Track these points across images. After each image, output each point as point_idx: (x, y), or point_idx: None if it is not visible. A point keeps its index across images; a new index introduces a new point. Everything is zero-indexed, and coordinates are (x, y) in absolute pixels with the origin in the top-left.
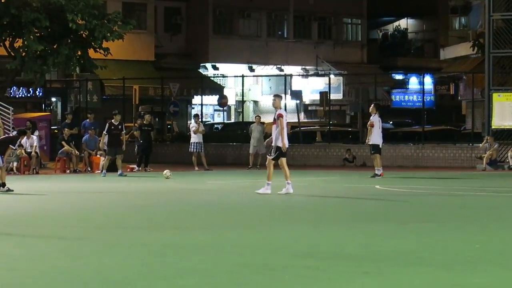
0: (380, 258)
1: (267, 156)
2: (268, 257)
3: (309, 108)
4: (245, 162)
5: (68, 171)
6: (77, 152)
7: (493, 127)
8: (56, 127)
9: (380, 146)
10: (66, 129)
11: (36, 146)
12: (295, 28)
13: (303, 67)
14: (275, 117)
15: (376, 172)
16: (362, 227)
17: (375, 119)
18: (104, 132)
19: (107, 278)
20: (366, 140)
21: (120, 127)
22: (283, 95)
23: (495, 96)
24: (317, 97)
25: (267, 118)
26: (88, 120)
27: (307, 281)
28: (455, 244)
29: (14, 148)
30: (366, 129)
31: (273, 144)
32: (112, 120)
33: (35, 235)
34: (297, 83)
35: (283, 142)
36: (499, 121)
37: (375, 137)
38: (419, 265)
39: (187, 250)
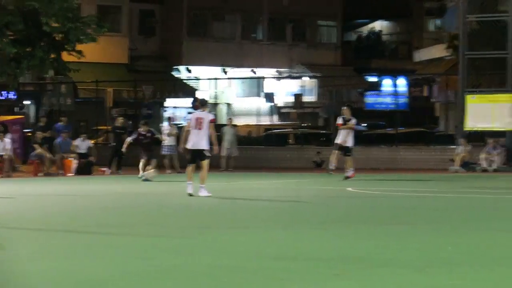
0: (352, 260)
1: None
2: (241, 260)
3: (283, 110)
4: (218, 164)
5: (40, 174)
6: (50, 155)
7: (465, 129)
8: (29, 130)
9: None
10: (39, 132)
11: (9, 149)
12: (269, 30)
13: (277, 69)
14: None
15: (348, 174)
16: (334, 229)
17: (353, 121)
18: (130, 139)
19: (79, 281)
20: (342, 142)
21: (149, 135)
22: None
23: (468, 98)
24: (291, 99)
25: (240, 121)
26: (61, 123)
27: (279, 283)
28: (428, 246)
29: None
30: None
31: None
32: (141, 130)
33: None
34: (271, 86)
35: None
36: (472, 123)
37: (352, 139)
38: (392, 267)
39: (161, 251)
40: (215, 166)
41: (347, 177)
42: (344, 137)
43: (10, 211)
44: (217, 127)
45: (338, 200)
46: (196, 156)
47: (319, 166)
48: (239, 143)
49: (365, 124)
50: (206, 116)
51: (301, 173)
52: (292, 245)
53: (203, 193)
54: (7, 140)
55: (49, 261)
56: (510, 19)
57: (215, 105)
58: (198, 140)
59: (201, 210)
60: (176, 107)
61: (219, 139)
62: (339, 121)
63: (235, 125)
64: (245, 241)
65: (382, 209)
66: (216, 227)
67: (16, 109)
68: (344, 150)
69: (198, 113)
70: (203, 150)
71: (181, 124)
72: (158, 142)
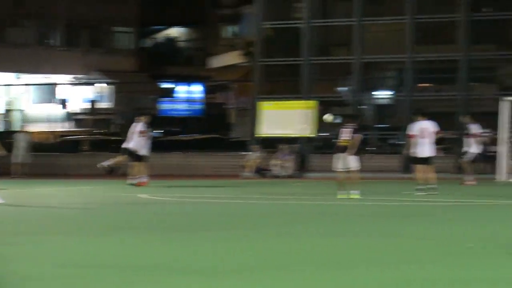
0: (142, 267)
1: None
2: (32, 268)
3: (78, 117)
4: (9, 171)
5: None
6: None
7: (258, 135)
8: None
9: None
10: None
11: None
12: (65, 36)
13: (74, 75)
14: None
15: (133, 181)
16: (123, 236)
17: (141, 127)
18: None
19: None
20: (134, 149)
21: None
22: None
23: (262, 104)
24: (88, 105)
25: (36, 127)
26: None
27: None
28: (220, 252)
29: None
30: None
31: None
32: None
33: None
34: (66, 92)
35: None
36: (266, 129)
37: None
38: (183, 274)
39: None
40: (8, 173)
41: (135, 184)
42: (138, 144)
43: None
44: (10, 134)
45: (128, 206)
46: None
47: (110, 173)
48: (33, 149)
49: (161, 131)
50: None
51: (95, 179)
52: (82, 252)
53: None
54: None
55: None
56: (304, 27)
57: (9, 111)
58: None
59: None
60: None
61: (12, 146)
62: (139, 128)
63: (28, 132)
64: (33, 249)
65: (173, 215)
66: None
67: None
68: (137, 156)
69: None
70: None
71: None
72: None
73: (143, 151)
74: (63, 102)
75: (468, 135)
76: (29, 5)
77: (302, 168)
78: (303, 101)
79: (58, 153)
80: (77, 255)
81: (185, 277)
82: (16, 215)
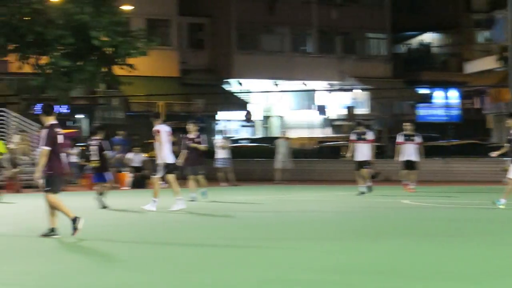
0: (404, 273)
1: (152, 175)
2: (293, 273)
3: (335, 123)
4: (272, 177)
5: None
6: None
7: None
8: (82, 144)
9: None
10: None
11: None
12: (319, 42)
13: (328, 82)
14: (153, 134)
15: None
16: (388, 241)
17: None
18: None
19: None
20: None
21: (198, 139)
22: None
23: None
24: (343, 112)
25: (294, 133)
26: (118, 136)
27: None
28: (481, 258)
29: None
30: (392, 144)
31: (158, 162)
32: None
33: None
34: (322, 98)
35: (161, 156)
36: None
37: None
38: (447, 280)
39: (210, 265)
40: (270, 178)
41: (404, 188)
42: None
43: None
44: (271, 140)
45: (392, 212)
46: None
47: (373, 178)
48: (292, 155)
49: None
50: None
51: (355, 185)
52: (344, 258)
53: (147, 206)
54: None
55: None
56: None
57: (267, 118)
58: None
59: (250, 223)
60: (228, 120)
61: (274, 152)
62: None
63: (288, 138)
64: (296, 254)
65: (435, 221)
66: (266, 239)
67: (70, 123)
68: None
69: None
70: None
71: (234, 137)
72: (210, 153)
73: (412, 157)
74: (321, 109)
75: None
76: (282, 13)
77: None
78: None
79: (316, 159)
80: (340, 261)
81: (442, 282)
82: (277, 220)
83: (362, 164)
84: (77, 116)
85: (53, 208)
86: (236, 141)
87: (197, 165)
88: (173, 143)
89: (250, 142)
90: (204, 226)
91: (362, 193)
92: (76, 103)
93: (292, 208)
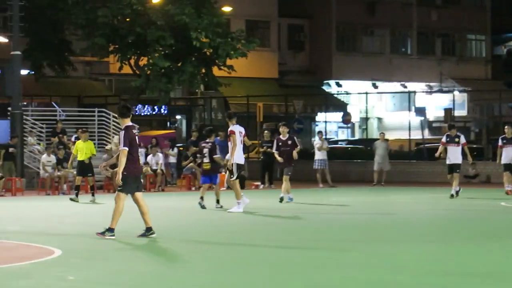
0: (502, 277)
1: (230, 178)
2: (398, 274)
3: (434, 125)
4: (370, 179)
5: (193, 188)
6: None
7: None
8: (181, 144)
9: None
10: (191, 147)
11: (161, 163)
12: (419, 44)
13: (427, 83)
14: (228, 134)
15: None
16: (488, 244)
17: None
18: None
19: None
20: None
21: (290, 142)
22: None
23: None
24: (441, 113)
25: (392, 135)
26: (218, 137)
27: None
28: None
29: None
30: (491, 146)
31: (232, 162)
32: (281, 136)
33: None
34: (421, 100)
35: (231, 158)
36: None
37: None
38: None
39: (308, 267)
40: (368, 180)
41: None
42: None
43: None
44: (369, 142)
45: (491, 214)
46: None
47: (472, 179)
48: (390, 157)
49: None
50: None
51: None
52: (445, 260)
53: (234, 209)
54: (160, 154)
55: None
56: None
57: (365, 119)
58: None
59: (348, 224)
60: (327, 122)
61: (372, 154)
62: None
63: (387, 140)
64: (400, 256)
65: None
66: (370, 241)
67: (168, 124)
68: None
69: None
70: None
71: (333, 138)
72: (310, 155)
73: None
74: (420, 110)
75: None
76: (382, 14)
77: None
78: None
79: (415, 161)
80: (436, 263)
81: None
82: (373, 222)
83: (454, 168)
84: (176, 116)
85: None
86: (334, 142)
87: (287, 166)
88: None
89: (348, 144)
90: (302, 227)
91: (452, 196)
92: (175, 104)
93: (389, 210)
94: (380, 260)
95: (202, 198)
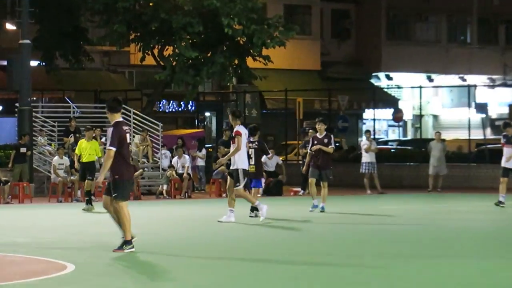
0: None
1: (236, 186)
2: None
3: (496, 123)
4: (424, 184)
5: (224, 195)
6: None
7: None
8: (210, 145)
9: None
10: (221, 147)
11: (188, 167)
12: (479, 32)
13: (489, 76)
14: (233, 135)
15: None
16: None
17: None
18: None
19: None
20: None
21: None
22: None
23: None
24: (505, 110)
25: (449, 135)
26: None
27: None
28: None
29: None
30: None
31: (235, 167)
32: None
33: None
34: (482, 95)
35: (235, 163)
36: None
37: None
38: None
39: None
40: (422, 186)
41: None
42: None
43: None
44: (423, 142)
45: None
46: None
47: None
48: (447, 160)
49: None
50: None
51: None
52: (499, 276)
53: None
54: (186, 157)
55: None
56: None
57: (419, 117)
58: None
59: (401, 236)
60: (375, 119)
61: (427, 156)
62: None
63: (443, 140)
64: (452, 272)
65: None
66: (418, 256)
67: (196, 122)
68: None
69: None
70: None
71: (382, 138)
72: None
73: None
74: (481, 106)
75: None
76: (437, 0)
77: None
78: None
79: (474, 164)
80: (496, 280)
81: None
82: (428, 234)
83: (508, 172)
84: (205, 114)
85: (118, 216)
86: (383, 143)
87: (326, 169)
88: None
89: (400, 145)
90: (338, 239)
91: (500, 202)
92: (203, 99)
93: (444, 220)
94: (432, 277)
95: (256, 208)
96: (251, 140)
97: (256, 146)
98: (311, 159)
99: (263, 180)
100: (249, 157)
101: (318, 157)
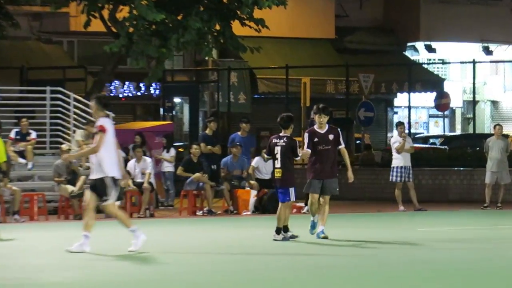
0: None
1: (104, 201)
2: None
3: None
4: (479, 197)
5: (200, 212)
6: (211, 183)
7: None
8: (182, 143)
9: None
10: (202, 144)
11: (150, 174)
12: None
13: None
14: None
15: None
16: None
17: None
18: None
19: None
20: None
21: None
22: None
23: None
24: None
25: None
26: (239, 132)
27: None
28: None
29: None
30: None
31: (98, 176)
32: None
33: None
34: None
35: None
36: None
37: None
38: None
39: None
40: (475, 199)
41: None
42: None
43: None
44: (478, 139)
45: None
46: None
47: None
48: (511, 163)
49: None
50: None
51: None
52: None
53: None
54: (148, 160)
55: None
56: None
57: (472, 103)
58: None
59: (444, 270)
60: (412, 107)
61: (483, 158)
62: None
63: (506, 136)
64: None
65: None
66: None
67: (162, 112)
68: None
69: None
70: None
71: (421, 133)
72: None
73: None
74: None
75: None
76: None
77: None
78: None
79: None
80: None
81: None
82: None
83: None
84: (174, 99)
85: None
86: (423, 140)
87: (330, 178)
88: None
89: (445, 142)
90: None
91: None
92: (172, 79)
93: (503, 250)
94: None
95: (287, 227)
96: (280, 135)
97: (284, 144)
98: (312, 166)
99: (292, 191)
100: (274, 158)
101: (323, 162)
